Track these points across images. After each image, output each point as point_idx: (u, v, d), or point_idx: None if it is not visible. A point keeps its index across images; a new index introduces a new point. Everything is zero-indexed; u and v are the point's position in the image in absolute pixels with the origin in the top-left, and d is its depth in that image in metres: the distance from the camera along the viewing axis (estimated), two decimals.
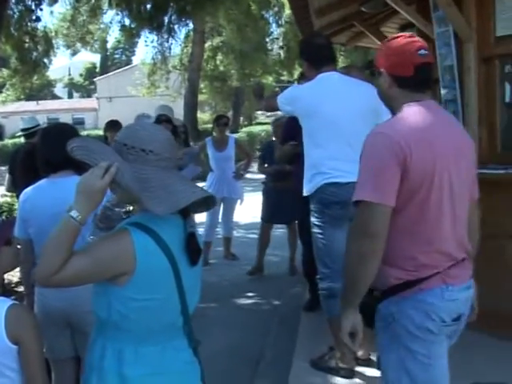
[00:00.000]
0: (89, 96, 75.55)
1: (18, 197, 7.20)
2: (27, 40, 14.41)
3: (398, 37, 2.86)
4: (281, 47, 30.45)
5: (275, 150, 7.27)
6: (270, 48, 32.03)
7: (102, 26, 20.30)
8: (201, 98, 35.24)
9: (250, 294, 7.68)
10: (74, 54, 22.37)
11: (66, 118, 57.45)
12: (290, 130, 5.39)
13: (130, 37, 19.03)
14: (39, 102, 61.85)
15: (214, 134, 9.43)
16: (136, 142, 2.37)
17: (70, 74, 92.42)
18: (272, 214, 8.21)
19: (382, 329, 2.83)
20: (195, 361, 2.54)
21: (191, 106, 25.27)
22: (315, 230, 4.73)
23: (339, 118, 4.50)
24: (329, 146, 4.54)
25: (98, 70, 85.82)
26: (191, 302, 2.46)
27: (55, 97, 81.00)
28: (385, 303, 2.77)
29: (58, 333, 3.72)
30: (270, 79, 39.57)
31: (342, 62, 20.35)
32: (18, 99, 19.78)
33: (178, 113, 24.73)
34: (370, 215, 2.60)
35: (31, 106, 58.74)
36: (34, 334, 2.43)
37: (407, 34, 2.90)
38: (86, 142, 2.41)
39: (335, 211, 4.52)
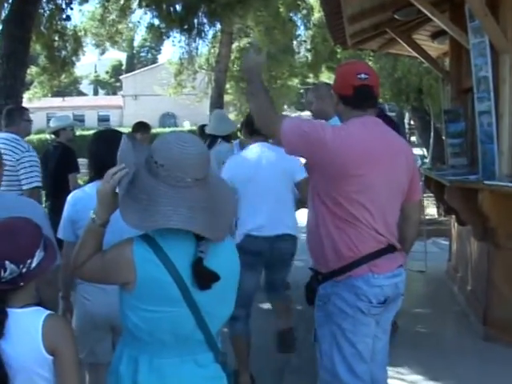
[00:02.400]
0: (114, 93, 75.93)
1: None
2: (57, 39, 14.45)
3: (346, 63, 3.69)
4: (308, 50, 30.28)
5: None
6: (297, 50, 31.94)
7: (130, 25, 20.29)
8: (227, 98, 35.19)
9: None
10: (103, 52, 22.39)
11: (91, 115, 58.00)
12: None
13: (158, 37, 19.02)
14: (65, 98, 62.13)
15: (242, 137, 9.19)
16: (155, 152, 2.38)
17: (96, 71, 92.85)
18: None
19: (319, 307, 3.41)
20: (221, 376, 2.51)
21: (217, 107, 25.10)
22: None
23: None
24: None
25: (123, 67, 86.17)
26: (214, 318, 2.44)
27: (81, 93, 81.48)
28: (324, 285, 3.37)
29: (101, 337, 3.73)
30: (295, 81, 39.43)
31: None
32: (45, 96, 19.81)
33: (204, 113, 24.75)
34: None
35: (57, 102, 58.98)
36: (71, 345, 2.43)
37: (355, 60, 3.76)
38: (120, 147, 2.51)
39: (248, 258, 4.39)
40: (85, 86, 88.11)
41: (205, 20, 16.69)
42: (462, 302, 6.68)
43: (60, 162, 7.26)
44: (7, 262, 2.31)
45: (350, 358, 3.31)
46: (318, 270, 3.46)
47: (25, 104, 11.29)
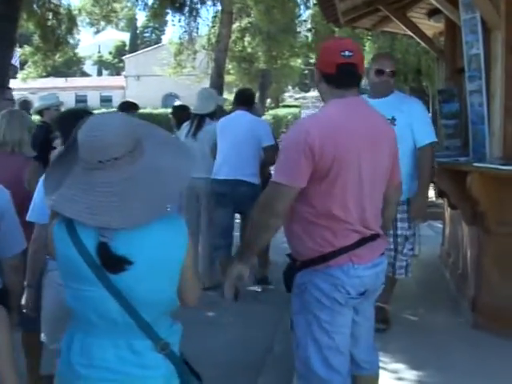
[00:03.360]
0: (118, 74, 75.72)
1: None
2: (50, 17, 14.26)
3: (330, 40, 3.50)
4: (309, 30, 30.14)
5: None
6: (297, 30, 31.72)
7: (128, 4, 20.13)
8: (228, 78, 35.07)
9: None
10: (98, 32, 22.10)
11: (93, 96, 57.91)
12: None
13: (155, 16, 18.86)
14: (68, 78, 62.12)
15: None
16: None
17: (99, 52, 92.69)
18: None
19: (296, 295, 3.29)
20: (159, 366, 2.41)
21: (217, 87, 24.95)
22: None
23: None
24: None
25: (127, 48, 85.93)
26: (143, 304, 2.34)
27: (84, 74, 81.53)
28: (301, 273, 3.24)
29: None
30: (298, 61, 39.27)
31: (368, 46, 20.03)
32: (40, 76, 19.66)
33: None
34: (280, 195, 3.06)
35: (60, 82, 59.08)
36: (6, 330, 2.48)
37: (341, 37, 3.71)
38: None
39: (217, 198, 6.83)
40: (88, 67, 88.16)
41: None
42: (453, 288, 6.52)
43: (44, 141, 7.11)
44: None
45: (325, 349, 3.21)
46: (295, 257, 3.34)
47: (19, 84, 11.07)
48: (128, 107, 7.62)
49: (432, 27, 8.98)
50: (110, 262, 2.25)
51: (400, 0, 7.96)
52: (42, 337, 3.78)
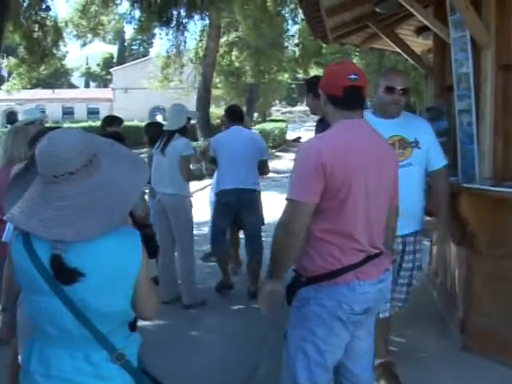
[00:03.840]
0: (105, 86, 75.60)
1: None
2: (36, 29, 14.14)
3: (335, 64, 3.58)
4: (296, 44, 30.14)
5: None
6: (285, 45, 31.74)
7: (116, 17, 20.04)
8: (216, 92, 35.08)
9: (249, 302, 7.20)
10: (85, 44, 21.97)
11: (80, 108, 57.82)
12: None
13: (142, 30, 18.79)
14: (55, 90, 61.95)
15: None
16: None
17: (87, 64, 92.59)
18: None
19: (296, 308, 3.31)
20: (116, 376, 2.44)
21: (204, 101, 24.98)
22: None
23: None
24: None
25: (115, 60, 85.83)
26: (97, 315, 2.36)
27: (72, 86, 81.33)
28: (306, 288, 3.25)
29: None
30: (285, 76, 39.29)
31: (356, 63, 20.05)
32: (27, 88, 19.56)
33: (191, 107, 24.46)
34: (296, 212, 3.13)
35: (47, 94, 58.96)
36: None
37: (346, 61, 3.62)
38: None
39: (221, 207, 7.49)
40: (76, 79, 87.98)
41: (186, 12, 16.32)
42: (441, 309, 6.42)
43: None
44: None
45: (313, 366, 3.26)
46: (300, 272, 3.35)
47: (2, 96, 10.96)
48: (111, 121, 7.51)
49: (420, 44, 8.98)
50: (63, 274, 2.28)
51: (389, 17, 7.93)
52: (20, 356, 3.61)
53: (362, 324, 3.34)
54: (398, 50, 8.83)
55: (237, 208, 7.39)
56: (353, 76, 3.20)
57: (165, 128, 7.30)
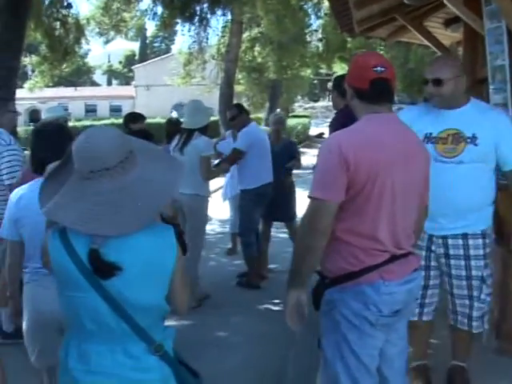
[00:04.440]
0: (127, 84, 75.87)
1: None
2: (58, 27, 14.10)
3: (362, 54, 3.47)
4: (319, 40, 29.99)
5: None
6: (308, 40, 31.55)
7: (137, 13, 20.00)
8: (238, 89, 34.91)
9: (276, 301, 7.07)
10: (107, 42, 21.94)
11: (103, 105, 58.04)
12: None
13: (164, 26, 18.70)
14: (77, 88, 62.24)
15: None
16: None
17: (109, 61, 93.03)
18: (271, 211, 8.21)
19: (325, 313, 3.17)
20: (155, 368, 2.52)
21: (226, 97, 24.83)
22: None
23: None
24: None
25: (137, 57, 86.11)
26: (137, 308, 2.44)
27: (94, 83, 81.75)
28: (330, 290, 3.12)
29: (50, 337, 3.63)
30: (308, 72, 39.08)
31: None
32: (49, 86, 19.60)
33: (214, 103, 24.41)
34: (318, 211, 2.98)
35: (69, 91, 59.19)
36: None
37: (372, 52, 3.44)
38: None
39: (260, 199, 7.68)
40: (98, 76, 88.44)
41: (209, 8, 16.22)
42: None
43: None
44: None
45: (354, 370, 3.11)
46: (324, 274, 3.21)
47: (25, 94, 10.95)
48: (135, 119, 7.38)
49: (449, 37, 8.78)
50: (101, 268, 2.34)
51: (417, 9, 7.73)
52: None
53: (392, 327, 3.19)
54: (426, 43, 8.62)
55: (267, 200, 7.66)
56: (379, 68, 3.06)
57: (184, 126, 7.05)
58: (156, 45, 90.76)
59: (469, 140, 4.10)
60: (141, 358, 2.48)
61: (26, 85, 19.23)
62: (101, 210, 2.35)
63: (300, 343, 5.46)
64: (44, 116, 7.51)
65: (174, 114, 8.79)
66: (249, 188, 7.65)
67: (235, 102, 28.15)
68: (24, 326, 3.77)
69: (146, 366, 2.49)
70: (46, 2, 13.43)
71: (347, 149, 2.93)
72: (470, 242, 4.24)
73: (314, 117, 54.85)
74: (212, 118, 8.15)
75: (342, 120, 5.28)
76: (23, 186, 3.79)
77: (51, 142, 3.74)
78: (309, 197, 3.03)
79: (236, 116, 7.80)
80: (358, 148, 2.95)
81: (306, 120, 40.54)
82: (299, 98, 63.78)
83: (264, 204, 7.71)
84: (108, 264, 2.34)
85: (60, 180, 2.50)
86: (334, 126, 5.75)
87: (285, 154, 7.98)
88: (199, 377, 2.71)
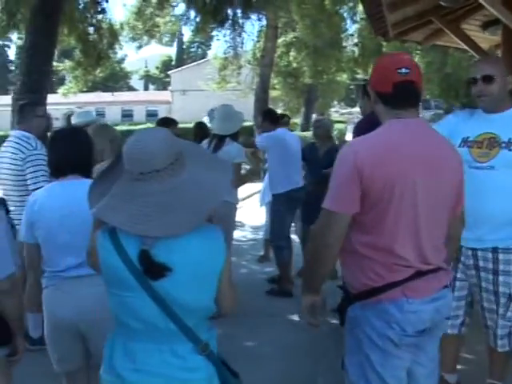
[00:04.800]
0: (164, 89, 76.29)
1: None
2: (91, 32, 14.13)
3: (386, 55, 3.21)
4: (355, 44, 29.74)
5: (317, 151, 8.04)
6: (344, 45, 31.31)
7: (172, 19, 20.03)
8: (274, 94, 34.83)
9: None
10: (140, 47, 21.99)
11: (139, 110, 58.36)
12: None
13: (198, 31, 18.68)
14: (114, 93, 62.73)
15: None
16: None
17: (146, 67, 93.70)
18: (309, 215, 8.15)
19: (348, 331, 3.03)
20: (201, 368, 2.55)
21: (261, 103, 24.74)
22: None
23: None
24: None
25: (173, 63, 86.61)
26: (185, 309, 2.47)
27: (131, 88, 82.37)
28: (353, 307, 2.97)
29: (69, 343, 3.66)
30: (344, 76, 38.84)
31: (417, 61, 19.54)
32: (83, 91, 19.70)
33: (249, 108, 24.36)
34: (329, 223, 2.84)
35: (106, 96, 59.64)
36: None
37: (398, 52, 3.27)
38: None
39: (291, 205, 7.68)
40: (135, 81, 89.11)
41: (241, 12, 16.14)
42: None
43: None
44: None
45: None
46: (348, 289, 3.07)
47: (63, 99, 10.99)
48: (167, 124, 7.30)
49: (487, 40, 8.56)
50: (151, 269, 2.39)
51: (453, 11, 7.52)
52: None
53: (420, 347, 2.99)
54: (464, 47, 8.40)
55: (298, 204, 7.73)
56: (403, 70, 2.86)
57: (215, 131, 6.93)
58: (192, 50, 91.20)
59: (504, 144, 3.88)
60: (187, 358, 2.51)
61: (60, 90, 19.33)
62: (150, 212, 2.37)
63: (331, 356, 5.30)
64: (74, 121, 7.48)
65: (206, 119, 8.65)
66: (278, 192, 7.65)
67: (270, 107, 28.16)
68: (45, 331, 3.74)
69: (192, 366, 2.52)
70: (80, 8, 13.43)
71: (362, 158, 2.77)
72: (501, 256, 3.98)
73: (350, 122, 54.46)
74: (247, 123, 8.18)
75: (366, 126, 5.13)
76: (40, 190, 3.83)
77: (63, 148, 3.75)
78: (321, 208, 2.90)
79: (261, 122, 8.18)
80: (373, 157, 2.78)
81: (342, 125, 40.24)
82: (335, 103, 63.50)
83: (295, 209, 7.75)
84: (158, 265, 2.38)
85: (109, 181, 2.54)
86: (357, 133, 5.64)
87: (326, 159, 7.71)
88: (239, 377, 2.72)
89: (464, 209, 3.19)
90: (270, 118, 7.96)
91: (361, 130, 5.20)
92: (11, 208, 5.69)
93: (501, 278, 4.00)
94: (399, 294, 2.83)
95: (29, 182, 5.54)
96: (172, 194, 2.40)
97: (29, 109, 6.02)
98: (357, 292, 2.95)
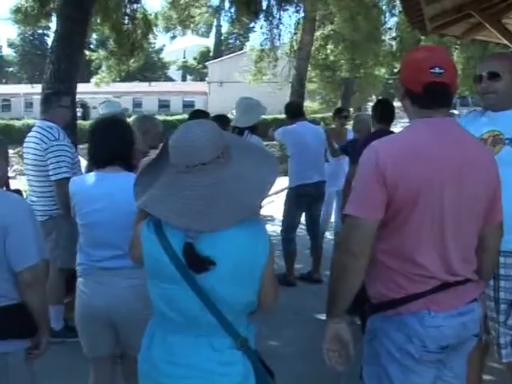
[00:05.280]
0: (202, 80, 76.39)
1: None
2: (125, 22, 14.07)
3: (420, 48, 3.00)
4: (393, 38, 29.38)
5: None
6: (382, 38, 30.95)
7: (208, 9, 19.97)
8: (311, 86, 34.64)
9: None
10: (174, 37, 21.96)
11: (176, 101, 58.50)
12: None
13: (233, 22, 18.59)
14: (152, 83, 63.02)
15: (334, 125, 9.76)
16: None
17: (184, 57, 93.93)
18: None
19: (366, 342, 2.89)
20: (237, 362, 2.55)
21: (298, 95, 24.50)
22: None
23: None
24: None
25: (211, 54, 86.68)
26: (226, 303, 2.49)
27: (169, 79, 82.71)
28: (372, 318, 2.84)
29: (100, 331, 3.73)
30: (382, 71, 38.46)
31: (457, 56, 19.18)
32: (119, 81, 19.77)
33: (286, 101, 24.11)
34: (353, 230, 2.66)
35: (144, 86, 59.93)
36: None
37: (432, 46, 3.05)
38: None
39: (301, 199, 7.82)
40: (173, 72, 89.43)
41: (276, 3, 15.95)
42: None
43: None
44: None
45: None
46: (369, 298, 2.90)
47: (92, 88, 11.00)
48: (199, 116, 7.17)
49: None
50: (195, 262, 2.41)
51: (494, 5, 7.23)
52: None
53: (445, 363, 2.82)
54: (505, 42, 8.09)
55: (315, 199, 7.89)
56: (437, 70, 2.66)
57: (234, 124, 6.84)
58: (231, 41, 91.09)
59: (507, 141, 3.72)
60: (225, 352, 2.53)
61: (93, 79, 19.36)
62: (195, 205, 2.39)
63: (355, 362, 5.12)
64: (101, 112, 7.42)
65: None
66: (289, 186, 7.94)
67: (307, 100, 27.91)
68: (76, 318, 3.83)
69: (229, 360, 2.53)
70: None
71: (385, 161, 2.60)
72: (501, 259, 3.68)
73: None
74: (281, 116, 8.22)
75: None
76: (78, 178, 4.01)
77: (102, 138, 3.78)
78: (344, 214, 2.73)
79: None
80: (397, 160, 2.61)
81: None
82: (373, 97, 63.04)
83: (305, 203, 7.84)
84: (202, 258, 2.40)
85: (155, 173, 2.58)
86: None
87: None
88: (274, 377, 2.71)
89: (503, 218, 2.94)
90: (288, 112, 8.01)
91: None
92: (33, 199, 5.64)
93: (502, 283, 3.77)
94: (421, 307, 2.67)
95: (50, 172, 5.50)
96: (217, 187, 2.42)
97: (53, 99, 5.98)
98: (377, 302, 2.81)
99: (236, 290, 2.49)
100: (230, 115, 8.75)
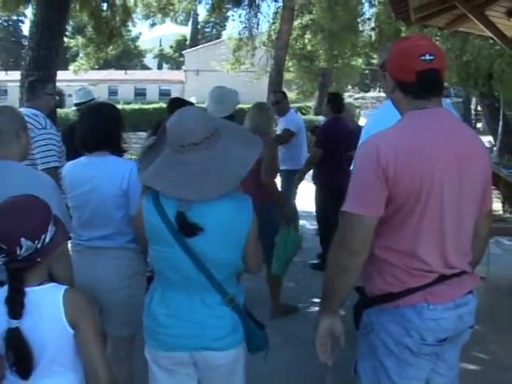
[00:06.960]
0: (178, 68, 76.08)
1: None
2: (104, 9, 13.90)
3: (406, 38, 2.92)
4: (372, 29, 29.25)
5: None
6: (360, 29, 30.90)
7: None
8: (288, 76, 34.54)
9: (318, 300, 6.70)
10: (153, 25, 21.72)
11: (152, 89, 58.21)
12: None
13: (213, 10, 18.44)
14: (128, 71, 62.59)
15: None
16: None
17: (160, 46, 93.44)
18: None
19: (362, 336, 2.89)
20: (225, 316, 2.91)
21: (276, 85, 24.44)
22: None
23: None
24: None
25: (187, 42, 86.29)
26: (215, 264, 2.84)
27: (145, 67, 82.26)
28: (368, 311, 2.83)
29: None
30: (359, 61, 38.51)
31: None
32: (96, 69, 19.52)
33: (263, 90, 24.14)
34: (350, 227, 2.64)
35: (119, 74, 59.52)
36: (91, 317, 2.61)
37: (418, 35, 2.98)
38: None
39: None
40: (149, 60, 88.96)
41: None
42: None
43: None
44: (22, 239, 2.39)
45: None
46: (364, 292, 2.88)
47: (72, 76, 10.85)
48: (181, 105, 6.97)
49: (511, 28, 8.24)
50: (186, 228, 2.77)
51: None
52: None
53: (439, 356, 2.81)
54: (488, 34, 8.13)
55: None
56: (427, 56, 2.60)
57: None
58: (207, 30, 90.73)
59: None
60: (215, 307, 2.89)
61: (71, 67, 19.14)
62: (188, 179, 2.74)
63: (341, 350, 5.14)
64: (74, 101, 7.50)
65: (193, 99, 8.48)
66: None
67: (284, 89, 27.84)
68: None
69: (218, 314, 2.89)
70: None
71: (386, 157, 2.54)
72: None
73: (363, 107, 54.29)
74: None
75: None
76: (69, 164, 4.03)
77: (90, 123, 3.89)
78: (342, 211, 2.66)
79: (281, 100, 8.45)
80: (399, 156, 2.55)
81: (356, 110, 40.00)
82: (350, 87, 63.16)
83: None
84: (192, 225, 2.76)
85: (155, 153, 2.94)
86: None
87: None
88: (264, 328, 3.09)
89: (491, 206, 2.97)
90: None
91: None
92: None
93: None
94: (420, 299, 2.65)
95: (38, 161, 5.35)
96: (207, 164, 2.77)
97: (38, 86, 5.87)
98: (373, 296, 2.79)
99: (223, 252, 2.84)
100: (204, 105, 8.55)
